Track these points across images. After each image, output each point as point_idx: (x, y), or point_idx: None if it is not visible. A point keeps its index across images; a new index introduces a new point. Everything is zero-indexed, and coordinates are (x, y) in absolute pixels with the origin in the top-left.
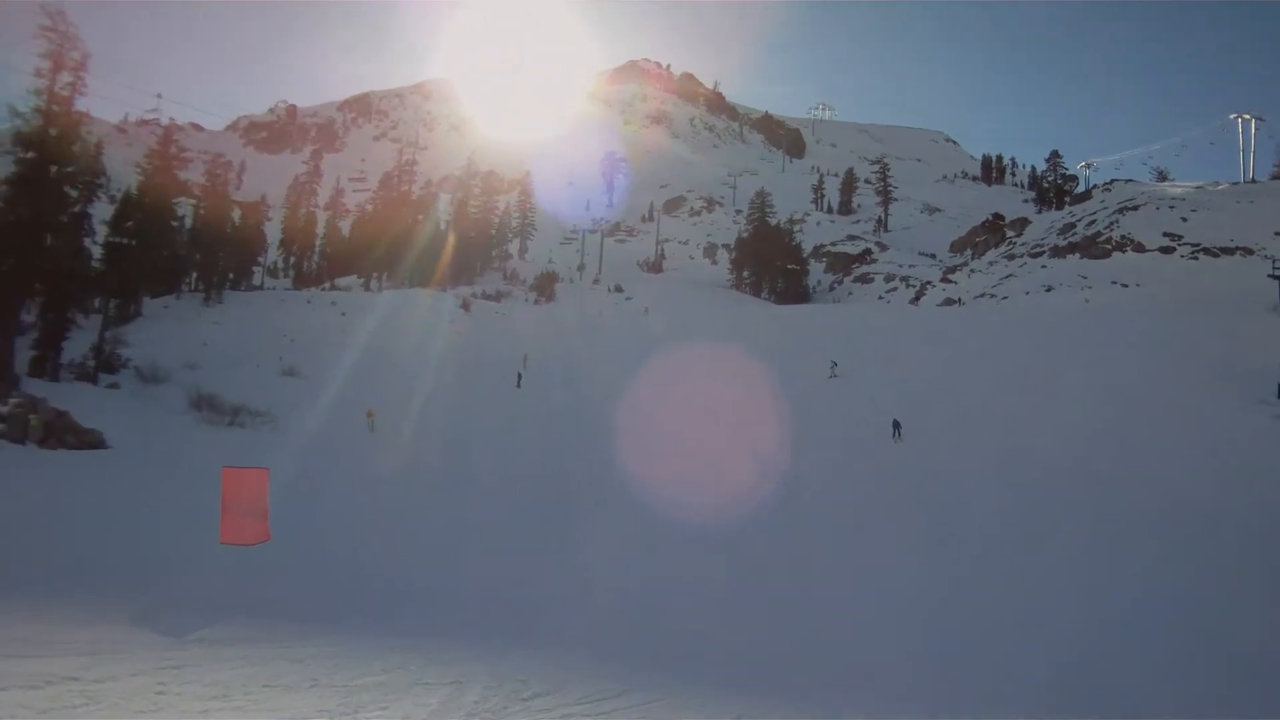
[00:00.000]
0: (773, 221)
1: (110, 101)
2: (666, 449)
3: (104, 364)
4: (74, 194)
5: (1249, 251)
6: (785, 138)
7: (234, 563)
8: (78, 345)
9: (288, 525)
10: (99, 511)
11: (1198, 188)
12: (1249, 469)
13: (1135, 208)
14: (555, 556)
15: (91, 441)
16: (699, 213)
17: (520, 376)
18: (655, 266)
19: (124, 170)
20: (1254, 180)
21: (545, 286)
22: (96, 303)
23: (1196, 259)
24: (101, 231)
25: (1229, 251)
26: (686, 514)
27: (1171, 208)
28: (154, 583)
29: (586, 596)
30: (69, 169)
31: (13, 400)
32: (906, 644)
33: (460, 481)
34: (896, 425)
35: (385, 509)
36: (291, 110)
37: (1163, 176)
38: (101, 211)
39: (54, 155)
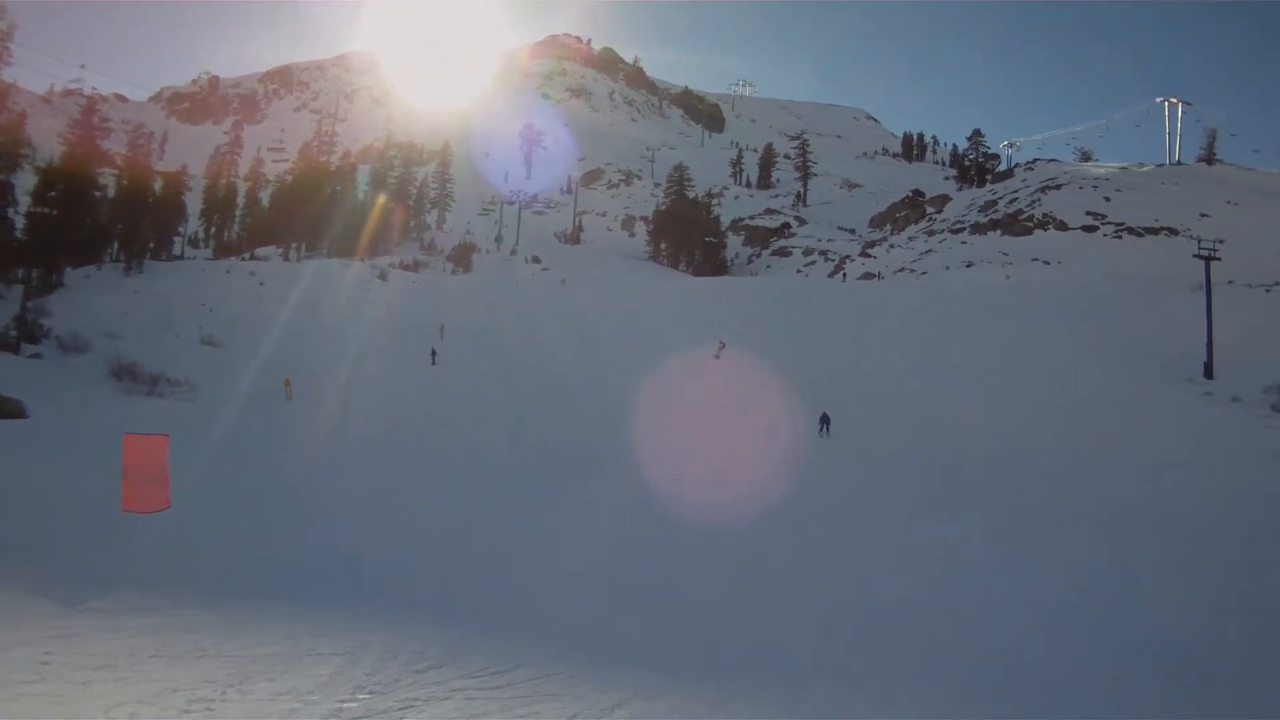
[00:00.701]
0: (691, 194)
1: (36, 73)
2: (592, 421)
3: (26, 334)
4: None
5: (1174, 231)
6: (705, 112)
7: (138, 531)
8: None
9: (199, 493)
10: (10, 481)
11: (1122, 169)
12: (1175, 446)
13: (1058, 186)
14: (479, 528)
15: (11, 411)
16: (617, 185)
17: (434, 353)
18: (573, 238)
19: (48, 141)
20: (1179, 163)
21: (462, 257)
22: (19, 273)
23: (1120, 238)
24: (25, 202)
25: (1153, 231)
26: (615, 493)
27: (1095, 187)
28: (55, 552)
29: (507, 572)
30: None
31: None
32: (820, 631)
33: (381, 450)
34: (825, 420)
35: (301, 477)
36: (214, 81)
37: (1086, 157)
38: (26, 181)
39: None
